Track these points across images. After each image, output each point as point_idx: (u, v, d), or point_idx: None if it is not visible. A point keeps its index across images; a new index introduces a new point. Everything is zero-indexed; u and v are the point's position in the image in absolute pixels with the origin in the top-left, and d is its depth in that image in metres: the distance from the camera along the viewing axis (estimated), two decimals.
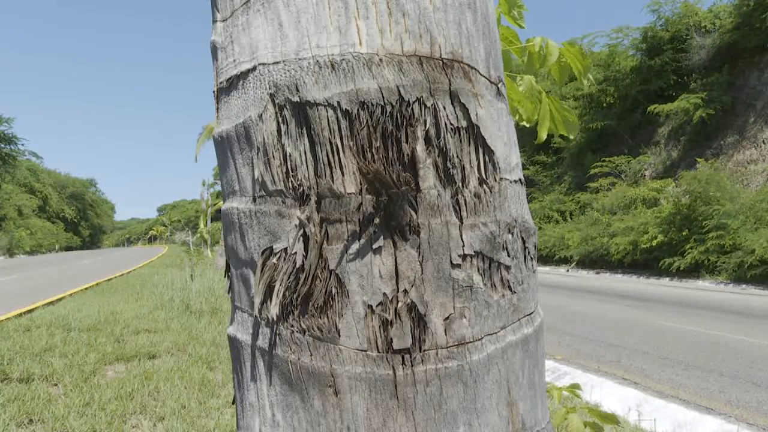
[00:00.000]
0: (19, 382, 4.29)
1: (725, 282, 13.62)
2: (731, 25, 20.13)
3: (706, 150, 20.12)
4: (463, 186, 0.57)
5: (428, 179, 0.56)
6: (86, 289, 12.93)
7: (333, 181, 0.55)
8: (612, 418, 1.54)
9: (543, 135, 1.62)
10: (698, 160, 17.98)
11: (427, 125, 0.56)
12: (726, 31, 20.40)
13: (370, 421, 0.54)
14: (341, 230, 0.55)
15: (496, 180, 0.60)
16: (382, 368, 0.54)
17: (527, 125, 1.64)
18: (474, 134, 0.58)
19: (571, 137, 1.72)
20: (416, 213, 0.55)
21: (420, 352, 0.55)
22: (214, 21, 0.67)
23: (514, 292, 0.61)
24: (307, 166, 0.56)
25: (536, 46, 1.59)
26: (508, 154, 0.63)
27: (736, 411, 4.45)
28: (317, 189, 0.55)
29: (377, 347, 0.55)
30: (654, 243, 16.20)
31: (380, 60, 0.55)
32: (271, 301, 0.59)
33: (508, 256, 0.60)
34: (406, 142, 0.55)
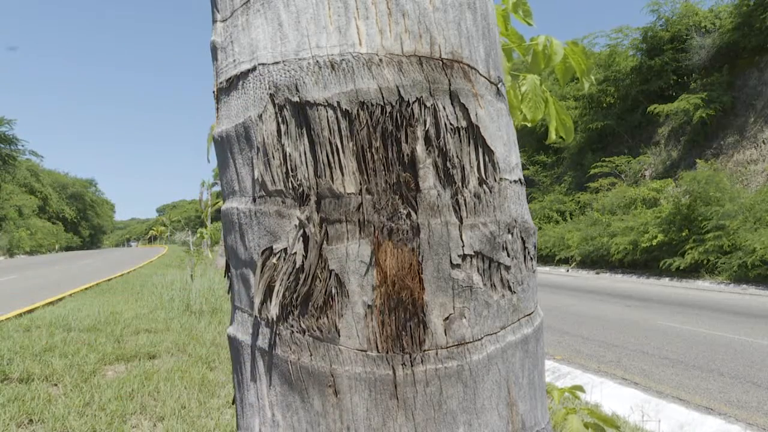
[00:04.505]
0: (19, 382, 4.29)
1: (725, 282, 13.62)
2: (731, 25, 20.12)
3: (706, 150, 20.11)
4: (462, 186, 0.57)
5: (428, 179, 0.56)
6: (86, 289, 12.93)
7: (333, 182, 0.55)
8: (612, 422, 1.54)
9: (554, 135, 1.61)
10: (697, 160, 17.97)
11: (427, 125, 0.56)
12: (726, 31, 20.39)
13: (370, 421, 0.54)
14: (341, 230, 0.55)
15: (495, 180, 0.60)
16: (382, 368, 0.54)
17: (529, 125, 1.63)
18: (474, 134, 0.58)
19: (567, 141, 1.71)
20: (416, 213, 0.55)
21: (420, 352, 0.55)
22: (214, 21, 0.67)
23: (514, 292, 0.61)
24: (306, 167, 0.56)
25: (540, 45, 1.56)
26: (508, 154, 0.63)
27: (736, 411, 4.45)
28: (317, 189, 0.55)
29: (377, 347, 0.55)
30: (654, 243, 16.19)
31: (380, 60, 0.55)
32: (270, 301, 0.59)
33: (508, 256, 0.60)
34: (406, 142, 0.55)
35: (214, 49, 0.66)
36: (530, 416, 0.61)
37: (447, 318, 0.55)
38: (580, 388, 1.64)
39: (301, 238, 0.56)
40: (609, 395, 4.86)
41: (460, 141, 0.57)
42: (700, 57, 21.08)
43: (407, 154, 0.55)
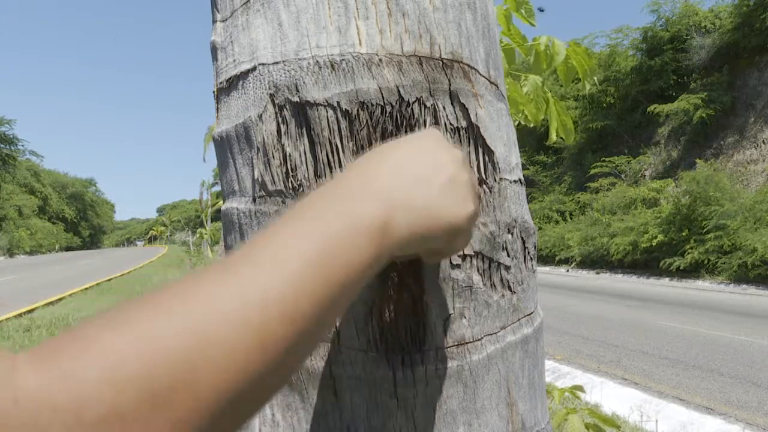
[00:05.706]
0: None
1: (725, 282, 13.62)
2: (731, 25, 20.11)
3: (706, 150, 20.11)
4: None
5: None
6: (86, 289, 12.92)
7: None
8: (613, 422, 1.54)
9: (554, 136, 1.61)
10: (697, 160, 17.97)
11: (427, 125, 0.56)
12: (726, 31, 20.38)
13: (370, 421, 0.54)
14: None
15: (495, 180, 0.60)
16: (382, 368, 0.54)
17: (531, 125, 1.63)
18: (474, 134, 0.58)
19: (567, 142, 1.71)
20: None
21: (420, 352, 0.55)
22: (214, 21, 0.67)
23: (514, 292, 0.61)
24: (306, 167, 0.56)
25: (542, 45, 1.56)
26: (508, 154, 0.63)
27: (736, 411, 4.45)
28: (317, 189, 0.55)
29: (377, 347, 0.55)
30: (654, 243, 16.19)
31: (380, 60, 0.55)
32: None
33: (508, 256, 0.60)
34: None
35: (214, 49, 0.66)
36: (530, 416, 0.61)
37: (447, 318, 0.56)
38: (581, 388, 1.64)
39: None
40: (609, 395, 4.86)
41: (460, 141, 0.57)
42: (700, 57, 21.08)
43: None
